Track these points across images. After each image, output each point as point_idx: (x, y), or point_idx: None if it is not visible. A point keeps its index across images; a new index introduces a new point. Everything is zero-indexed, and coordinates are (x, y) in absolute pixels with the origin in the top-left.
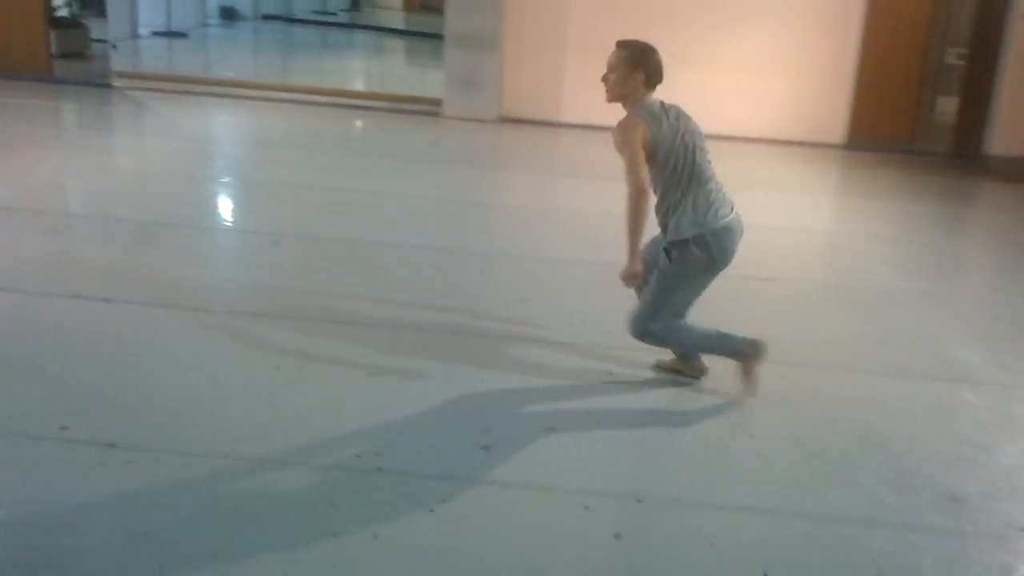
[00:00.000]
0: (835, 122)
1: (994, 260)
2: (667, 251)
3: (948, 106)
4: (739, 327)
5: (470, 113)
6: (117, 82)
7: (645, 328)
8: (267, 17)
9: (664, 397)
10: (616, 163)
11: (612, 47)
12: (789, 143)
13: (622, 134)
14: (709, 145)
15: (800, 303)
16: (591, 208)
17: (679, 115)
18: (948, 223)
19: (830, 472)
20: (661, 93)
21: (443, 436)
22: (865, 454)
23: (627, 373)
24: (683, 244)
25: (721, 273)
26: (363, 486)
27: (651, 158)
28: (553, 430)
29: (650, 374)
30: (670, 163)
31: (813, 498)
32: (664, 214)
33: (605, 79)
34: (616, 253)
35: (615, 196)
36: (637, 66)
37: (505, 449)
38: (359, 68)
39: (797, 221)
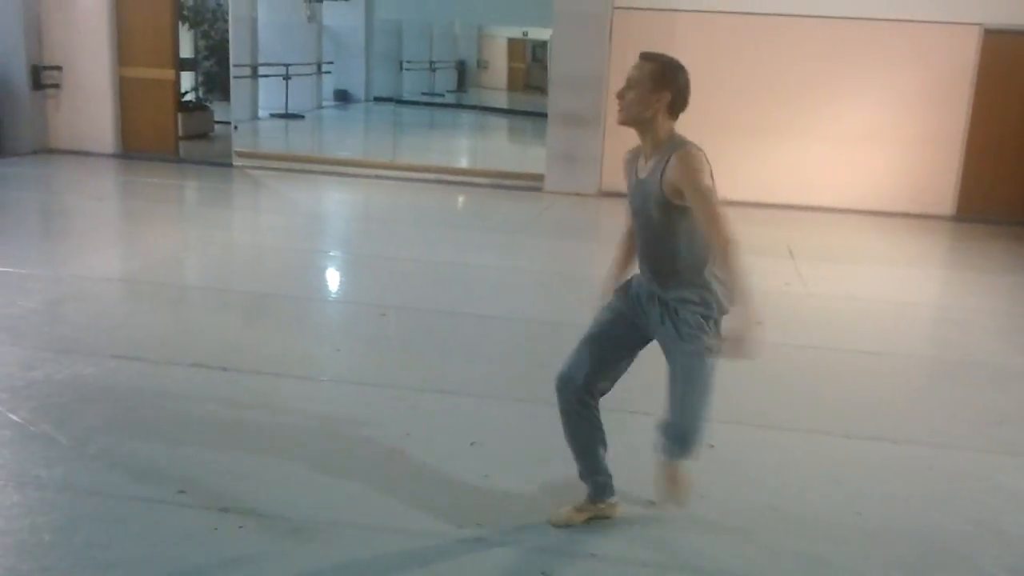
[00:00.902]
0: (944, 193)
1: None
2: (705, 319)
3: None
4: (848, 402)
5: (571, 187)
6: (237, 161)
7: (700, 433)
8: (378, 99)
9: (766, 473)
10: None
11: (714, 122)
12: (896, 215)
13: (694, 166)
14: (813, 216)
15: (910, 378)
16: None
17: None
18: None
19: (944, 557)
20: (760, 160)
21: (543, 506)
22: (983, 537)
23: (728, 445)
24: (718, 319)
25: (829, 346)
26: (462, 555)
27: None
28: (654, 504)
29: (753, 450)
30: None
31: None
32: (694, 273)
33: (621, 96)
34: None
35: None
36: (664, 85)
37: (604, 521)
38: (464, 146)
39: (906, 294)
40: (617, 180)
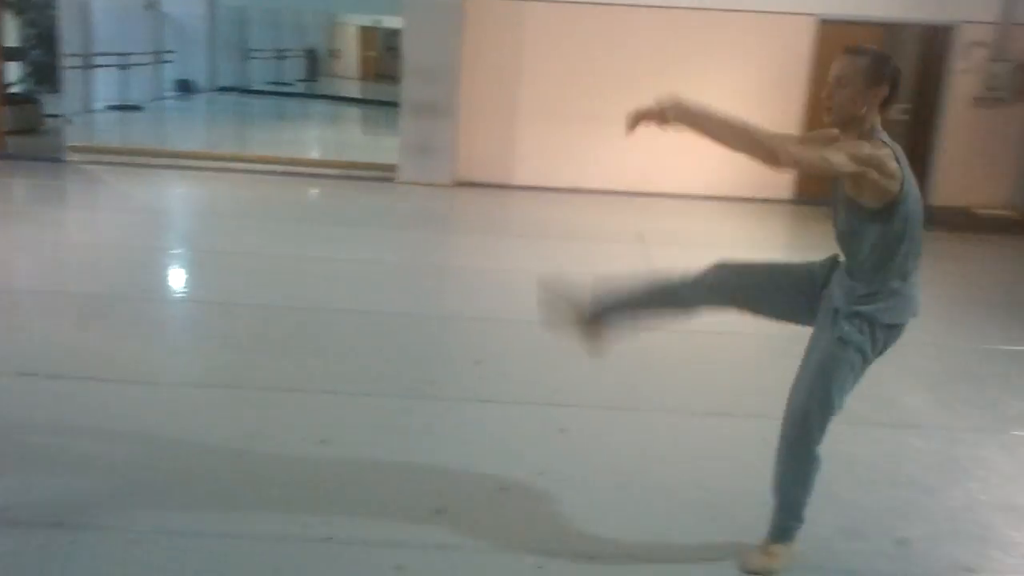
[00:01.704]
0: (783, 178)
1: (940, 307)
2: (853, 315)
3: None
4: (694, 380)
5: (425, 178)
6: (70, 156)
7: (809, 425)
8: (223, 89)
9: (618, 453)
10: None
11: (564, 110)
12: (741, 200)
13: (871, 150)
14: (662, 203)
15: (758, 355)
16: (543, 268)
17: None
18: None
19: None
20: (608, 147)
21: (395, 501)
22: (818, 502)
23: (580, 430)
24: (876, 324)
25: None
26: (315, 556)
27: (889, 209)
28: (505, 490)
29: (604, 431)
30: (909, 227)
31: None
32: (871, 272)
33: (830, 96)
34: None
35: (568, 256)
36: (880, 80)
37: (458, 512)
38: (314, 137)
39: None
40: (471, 170)
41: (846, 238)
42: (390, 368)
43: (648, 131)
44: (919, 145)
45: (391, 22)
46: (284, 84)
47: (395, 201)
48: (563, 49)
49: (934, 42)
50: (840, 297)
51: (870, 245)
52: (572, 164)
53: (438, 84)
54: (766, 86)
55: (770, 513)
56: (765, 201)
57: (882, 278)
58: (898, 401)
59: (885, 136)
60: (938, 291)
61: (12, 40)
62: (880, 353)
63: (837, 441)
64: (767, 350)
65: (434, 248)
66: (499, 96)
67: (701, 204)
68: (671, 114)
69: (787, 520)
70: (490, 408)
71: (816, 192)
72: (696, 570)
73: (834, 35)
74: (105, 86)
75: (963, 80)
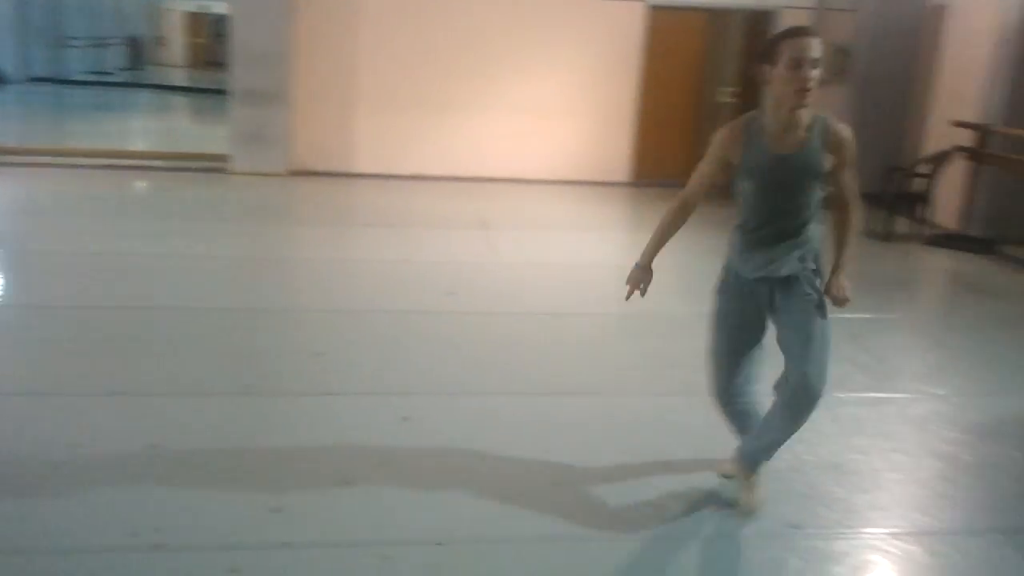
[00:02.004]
0: (620, 161)
1: None
2: (812, 274)
3: None
4: (537, 362)
5: (259, 168)
6: None
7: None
8: (37, 79)
9: (462, 438)
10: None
11: (404, 97)
12: (580, 183)
13: (853, 141)
14: (503, 188)
15: (595, 335)
16: (387, 256)
17: None
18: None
19: (623, 488)
20: (449, 134)
21: (231, 503)
22: (658, 474)
23: (423, 418)
24: (820, 273)
25: (521, 311)
26: (144, 566)
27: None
28: (347, 483)
29: (448, 417)
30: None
31: (607, 518)
32: (807, 230)
33: (809, 77)
34: (412, 300)
35: (412, 244)
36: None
37: (297, 509)
38: (139, 128)
39: (590, 257)
40: (309, 158)
41: (797, 208)
42: (225, 366)
43: (488, 117)
44: None
45: (220, 7)
46: (105, 73)
47: (228, 192)
48: (401, 34)
49: (757, 27)
50: (789, 264)
51: (815, 204)
52: (414, 151)
53: (269, 70)
54: (600, 70)
55: (733, 457)
56: (604, 184)
57: (811, 234)
58: None
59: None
60: None
61: None
62: None
63: (672, 412)
64: (608, 330)
65: (271, 240)
66: (335, 82)
67: (543, 188)
68: (645, 266)
69: (765, 459)
70: (331, 401)
71: (652, 174)
72: (545, 547)
73: (663, 20)
74: None
75: None
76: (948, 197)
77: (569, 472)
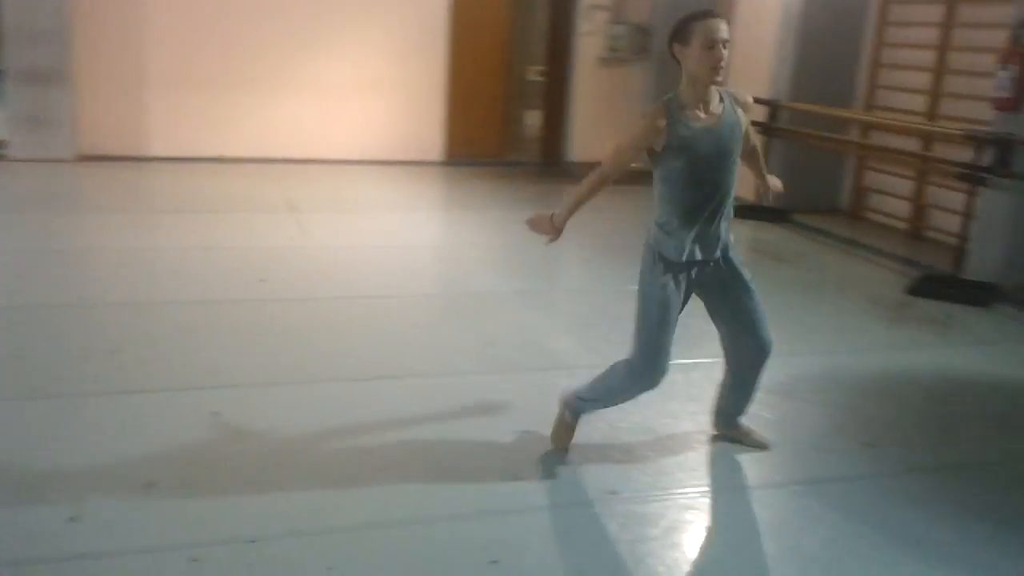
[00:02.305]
0: (433, 140)
1: (584, 255)
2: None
3: (534, 119)
4: (355, 347)
5: (41, 153)
6: None
7: None
8: None
9: (267, 435)
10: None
11: (200, 75)
12: (393, 163)
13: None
14: (313, 169)
15: (417, 316)
16: (189, 243)
17: None
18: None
19: (447, 471)
20: (252, 114)
21: (22, 515)
22: (480, 452)
23: (234, 411)
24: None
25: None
26: None
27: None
28: (151, 486)
29: (261, 409)
30: None
31: (430, 500)
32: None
33: (722, 55)
34: (219, 289)
35: (216, 230)
36: None
37: (98, 517)
38: None
39: (406, 238)
40: (98, 142)
41: (729, 179)
42: (8, 367)
43: (294, 96)
44: (555, 105)
45: None
46: None
47: (6, 180)
48: (195, 8)
49: (560, 6)
50: (723, 239)
51: (735, 174)
52: (214, 132)
53: (48, 48)
54: (407, 46)
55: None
56: (417, 163)
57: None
58: (548, 346)
59: None
60: (581, 240)
61: None
62: None
63: (492, 391)
64: (427, 310)
65: (58, 230)
66: (123, 60)
67: (354, 169)
68: (559, 226)
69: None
70: (132, 400)
71: (465, 153)
72: (365, 535)
73: None
74: None
75: (588, 42)
76: (746, 171)
77: (391, 456)
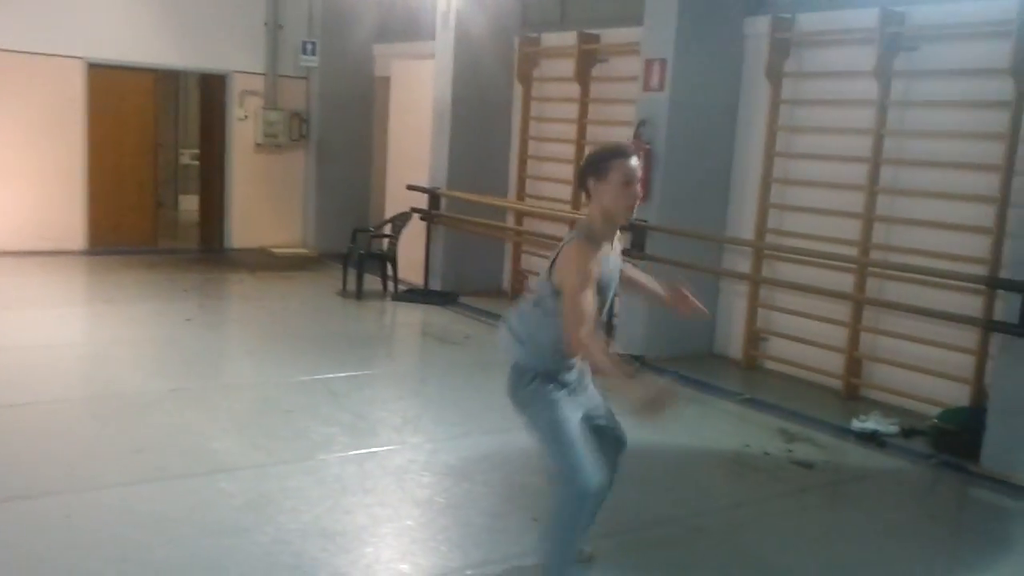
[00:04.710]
0: (74, 227)
1: (250, 346)
2: None
3: (190, 204)
4: None
5: None
6: None
7: None
8: None
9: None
10: None
11: None
12: (27, 253)
13: None
14: None
15: (55, 424)
16: None
17: None
18: (205, 316)
19: None
20: None
21: None
22: (124, 571)
23: None
24: None
25: None
26: None
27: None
28: None
29: None
30: None
31: None
32: None
33: (637, 193)
34: None
35: None
36: None
37: None
38: None
39: (43, 336)
40: None
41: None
42: None
43: None
44: (212, 190)
45: None
46: None
47: None
48: None
49: (212, 90)
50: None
51: None
52: None
53: None
54: (43, 126)
55: None
56: (55, 253)
57: None
58: (206, 448)
59: None
60: (246, 330)
61: None
62: None
63: (144, 500)
64: (67, 417)
65: None
66: None
67: None
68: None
69: None
70: None
71: (110, 240)
72: None
73: (105, 79)
74: None
75: (243, 127)
76: (411, 255)
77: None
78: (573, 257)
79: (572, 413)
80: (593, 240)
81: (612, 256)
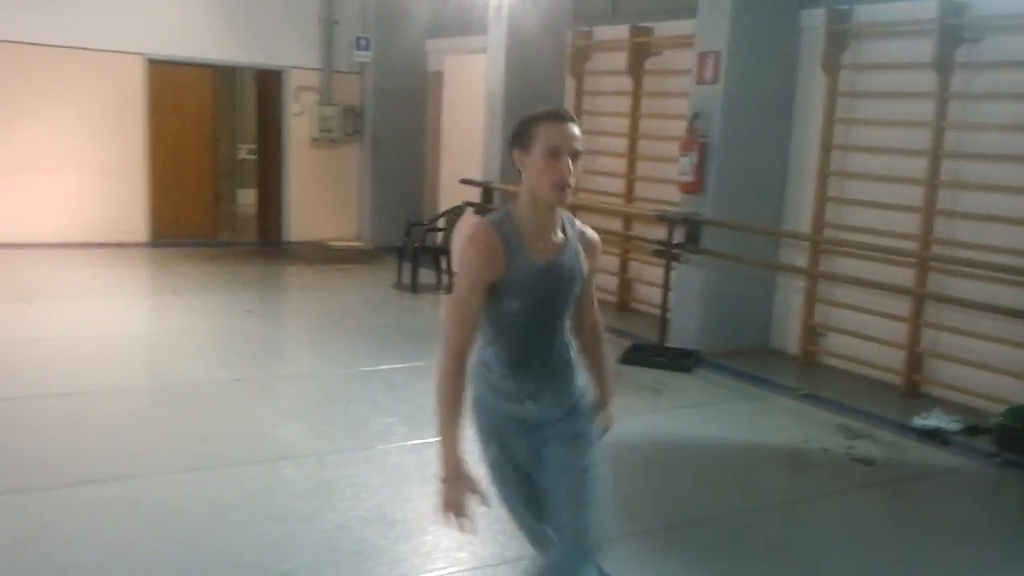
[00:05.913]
0: (137, 220)
1: (311, 336)
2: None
3: (248, 198)
4: (49, 452)
5: None
6: None
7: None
8: None
9: None
10: None
11: None
12: (93, 245)
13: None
14: (3, 255)
15: (123, 412)
16: None
17: None
18: (265, 307)
19: None
20: None
21: None
22: (190, 557)
23: None
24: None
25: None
26: None
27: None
28: None
29: None
30: None
31: None
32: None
33: (568, 168)
34: None
35: None
36: None
37: None
38: None
39: (111, 326)
40: None
41: (561, 320)
42: None
43: None
44: (270, 184)
45: None
46: None
47: None
48: None
49: (269, 85)
50: (560, 399)
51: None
52: None
53: None
54: (105, 121)
55: None
56: (120, 245)
57: (575, 357)
58: (269, 435)
59: None
60: (305, 321)
61: None
62: None
63: (205, 486)
64: (134, 405)
65: None
66: None
67: (51, 253)
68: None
69: None
70: None
71: (171, 233)
72: None
73: (165, 75)
74: None
75: (299, 122)
76: None
77: (94, 571)
78: (464, 245)
79: (500, 456)
80: (503, 227)
81: (564, 255)
